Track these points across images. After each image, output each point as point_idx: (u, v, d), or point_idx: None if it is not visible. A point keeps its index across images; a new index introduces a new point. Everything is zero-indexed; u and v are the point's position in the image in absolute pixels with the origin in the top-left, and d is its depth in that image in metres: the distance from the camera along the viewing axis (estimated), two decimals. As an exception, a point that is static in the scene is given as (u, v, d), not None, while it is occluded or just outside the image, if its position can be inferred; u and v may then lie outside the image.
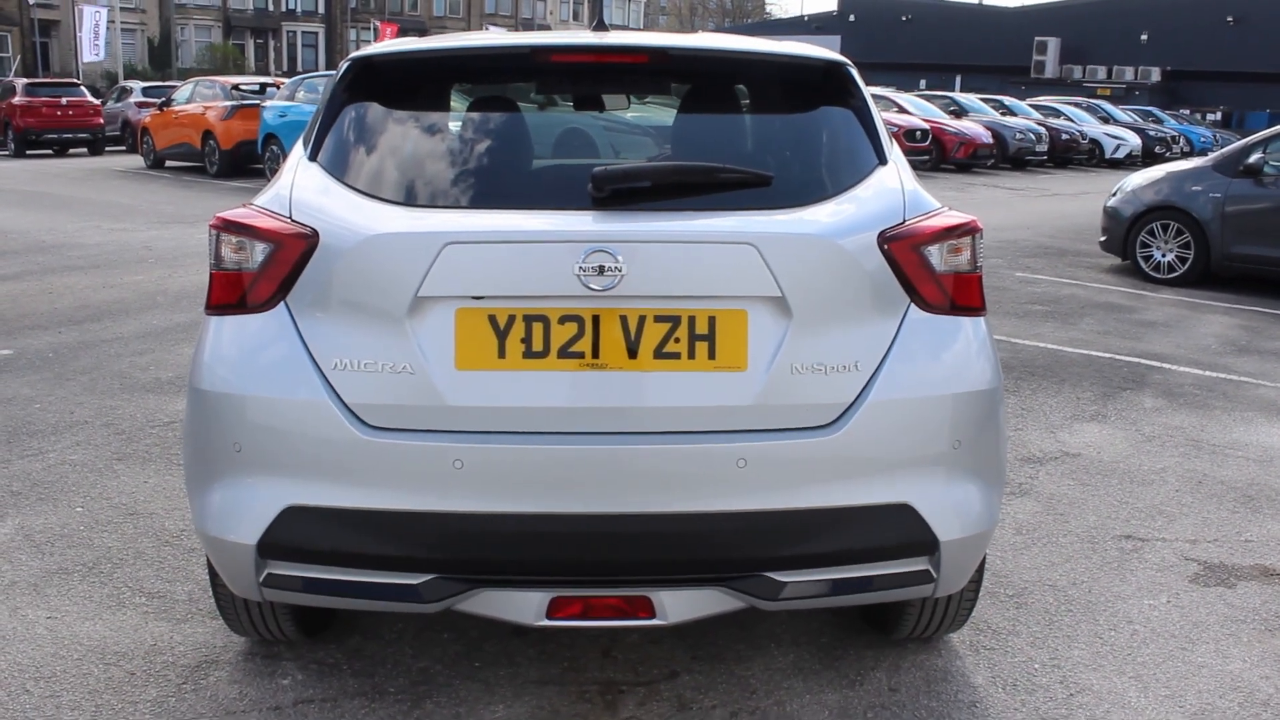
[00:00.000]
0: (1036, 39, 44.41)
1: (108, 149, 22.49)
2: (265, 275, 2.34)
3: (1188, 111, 34.22)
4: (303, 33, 51.88)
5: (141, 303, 7.35)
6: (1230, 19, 38.48)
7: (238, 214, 2.41)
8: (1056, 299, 8.56)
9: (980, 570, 2.78)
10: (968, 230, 2.47)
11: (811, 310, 2.31)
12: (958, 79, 41.77)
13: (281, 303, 2.33)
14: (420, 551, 2.28)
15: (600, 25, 2.92)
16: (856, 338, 2.36)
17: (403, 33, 49.79)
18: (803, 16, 57.59)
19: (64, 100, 21.14)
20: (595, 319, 2.25)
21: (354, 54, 2.62)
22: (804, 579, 2.37)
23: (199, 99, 17.25)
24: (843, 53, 2.74)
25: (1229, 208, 8.83)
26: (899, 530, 2.39)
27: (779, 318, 2.30)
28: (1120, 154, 25.51)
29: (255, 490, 2.32)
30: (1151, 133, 27.65)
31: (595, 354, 2.26)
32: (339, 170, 2.44)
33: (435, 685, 2.77)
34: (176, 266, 8.68)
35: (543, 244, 2.25)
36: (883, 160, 2.56)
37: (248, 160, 16.02)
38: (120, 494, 3.99)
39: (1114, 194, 9.82)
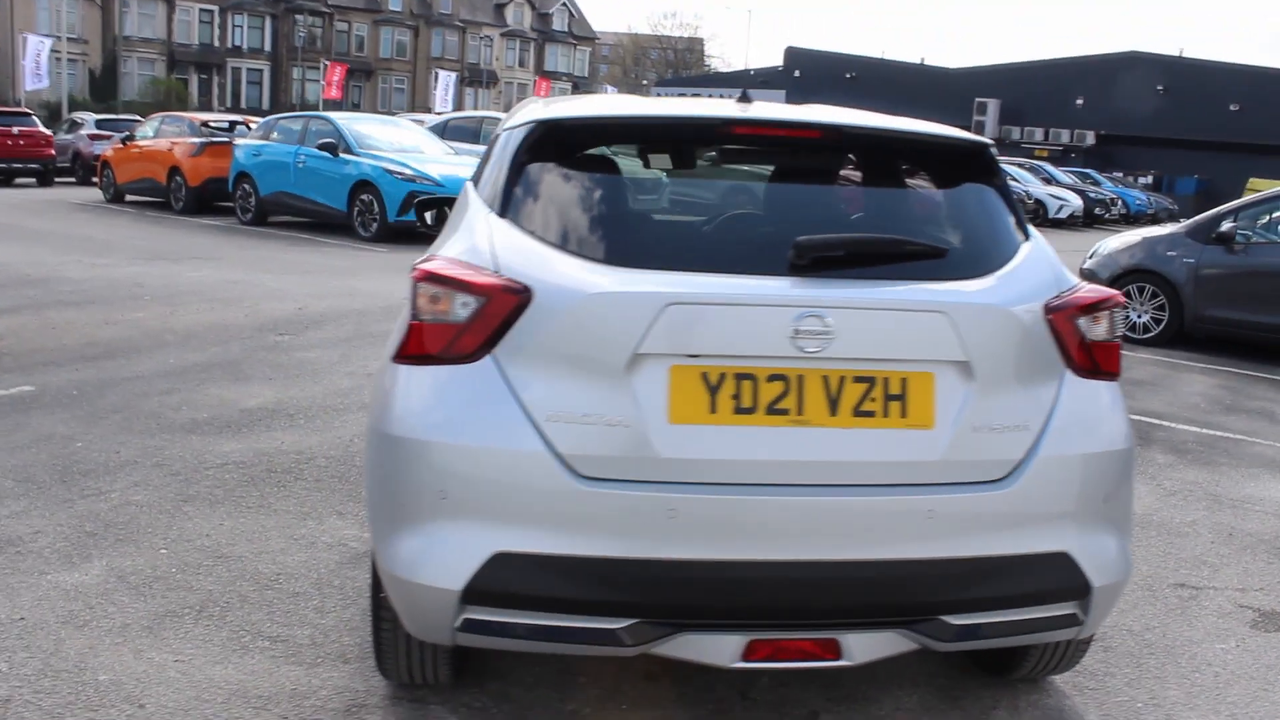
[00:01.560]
0: (977, 100, 45.90)
1: (56, 180, 22.06)
2: (473, 328, 2.41)
3: (1121, 174, 35.65)
4: (248, 69, 51.50)
5: (150, 341, 7.25)
6: (1160, 88, 40.28)
7: (440, 267, 2.48)
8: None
9: None
10: (1113, 304, 2.68)
11: (990, 373, 2.48)
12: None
13: (489, 355, 2.41)
14: (627, 596, 2.36)
15: (744, 97, 3.06)
16: (1025, 399, 2.53)
17: (350, 74, 49.82)
18: (748, 70, 58.73)
19: (15, 129, 20.73)
20: (800, 378, 2.38)
21: (537, 115, 2.71)
22: (973, 622, 2.51)
23: (165, 135, 17.05)
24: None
25: (1202, 272, 9.28)
26: (1058, 577, 2.54)
27: (963, 380, 2.46)
28: (1063, 214, 26.49)
29: (461, 536, 2.37)
30: (1091, 194, 28.79)
31: (800, 411, 2.38)
32: (538, 228, 2.53)
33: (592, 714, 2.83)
34: (175, 304, 8.58)
35: (760, 307, 2.38)
36: (1026, 235, 2.75)
37: (215, 197, 15.87)
38: (199, 536, 3.97)
39: (1090, 256, 10.24)
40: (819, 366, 2.39)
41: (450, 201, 4.81)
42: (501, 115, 18.22)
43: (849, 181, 2.85)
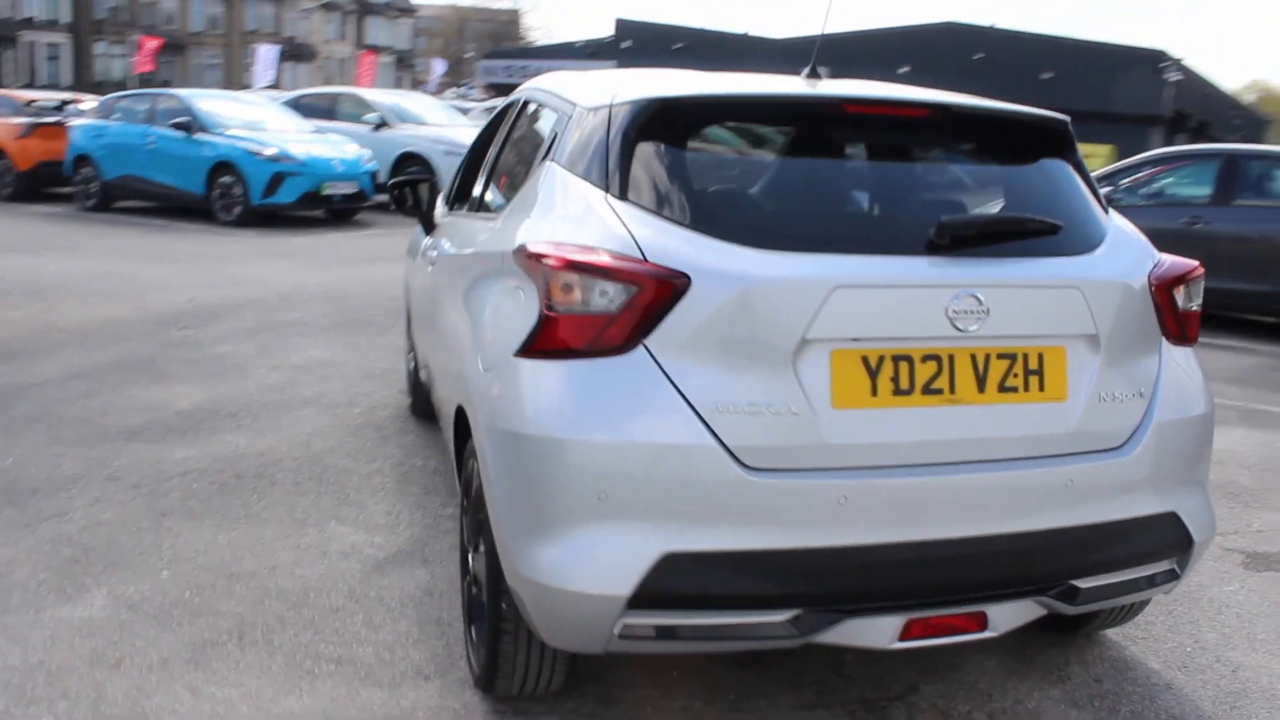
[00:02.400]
0: (805, 68, 46.99)
1: None
2: (622, 318, 2.27)
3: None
4: (46, 44, 47.70)
5: (40, 341, 6.62)
6: (978, 57, 42.14)
7: (581, 254, 2.32)
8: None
9: None
10: (1199, 274, 2.77)
11: (1113, 345, 2.53)
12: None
13: (640, 346, 2.27)
14: (795, 588, 2.29)
15: (814, 73, 3.00)
16: (1139, 369, 2.60)
17: (166, 48, 46.77)
18: (577, 42, 58.34)
19: None
20: (951, 358, 2.37)
21: (646, 93, 2.56)
22: (1097, 584, 2.56)
23: (-19, 115, 15.57)
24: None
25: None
26: (1167, 535, 2.63)
27: (1092, 352, 2.50)
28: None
29: (624, 539, 2.24)
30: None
31: (952, 390, 2.37)
32: (674, 211, 2.40)
33: (716, 716, 2.75)
34: (50, 300, 7.86)
35: (920, 288, 2.34)
36: (1106, 210, 2.80)
37: (47, 183, 14.63)
38: (195, 554, 3.65)
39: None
40: (968, 345, 2.38)
41: (414, 183, 4.55)
42: (351, 91, 17.46)
43: (954, 159, 2.82)
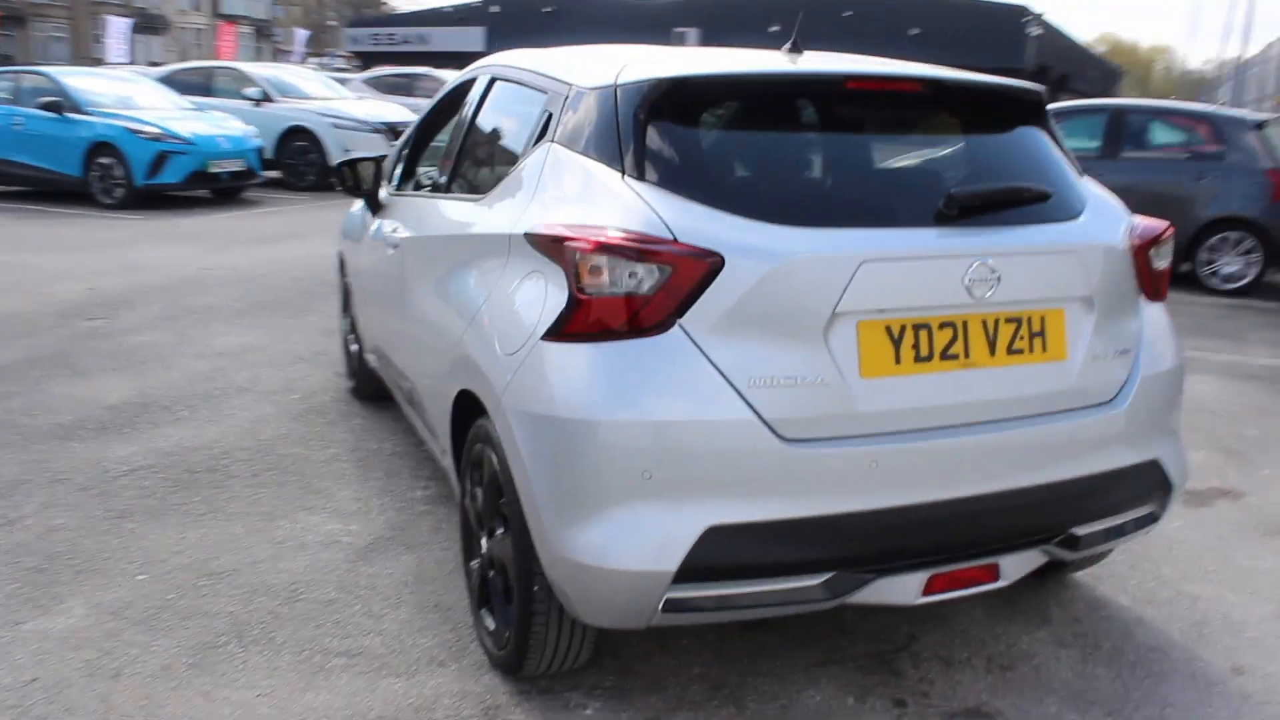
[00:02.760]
0: (675, 29, 47.03)
1: None
2: (657, 299, 2.29)
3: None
4: None
5: (-65, 341, 6.25)
6: (847, 13, 42.92)
7: (610, 236, 2.32)
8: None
9: None
10: (1170, 234, 2.93)
11: (1104, 305, 2.67)
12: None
13: (676, 325, 2.29)
14: (830, 552, 2.36)
15: (795, 47, 3.04)
16: (1124, 326, 2.75)
17: (4, 20, 43.95)
18: (446, 8, 57.10)
19: None
20: (964, 324, 2.46)
21: (653, 72, 2.55)
22: (1093, 530, 2.72)
23: None
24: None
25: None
26: (1151, 482, 2.80)
27: (1086, 313, 2.64)
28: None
29: (670, 515, 2.27)
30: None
31: (966, 354, 2.46)
32: (696, 190, 2.41)
33: (734, 685, 2.82)
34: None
35: (939, 259, 2.42)
36: (1080, 174, 2.93)
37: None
38: (168, 554, 3.53)
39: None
40: (980, 311, 2.47)
41: (357, 162, 4.46)
42: (229, 65, 16.75)
43: (947, 131, 2.89)
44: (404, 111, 15.91)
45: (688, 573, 2.28)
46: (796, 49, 3.03)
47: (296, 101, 14.94)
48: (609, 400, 2.28)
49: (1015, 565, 2.61)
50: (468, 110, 3.67)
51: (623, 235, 2.32)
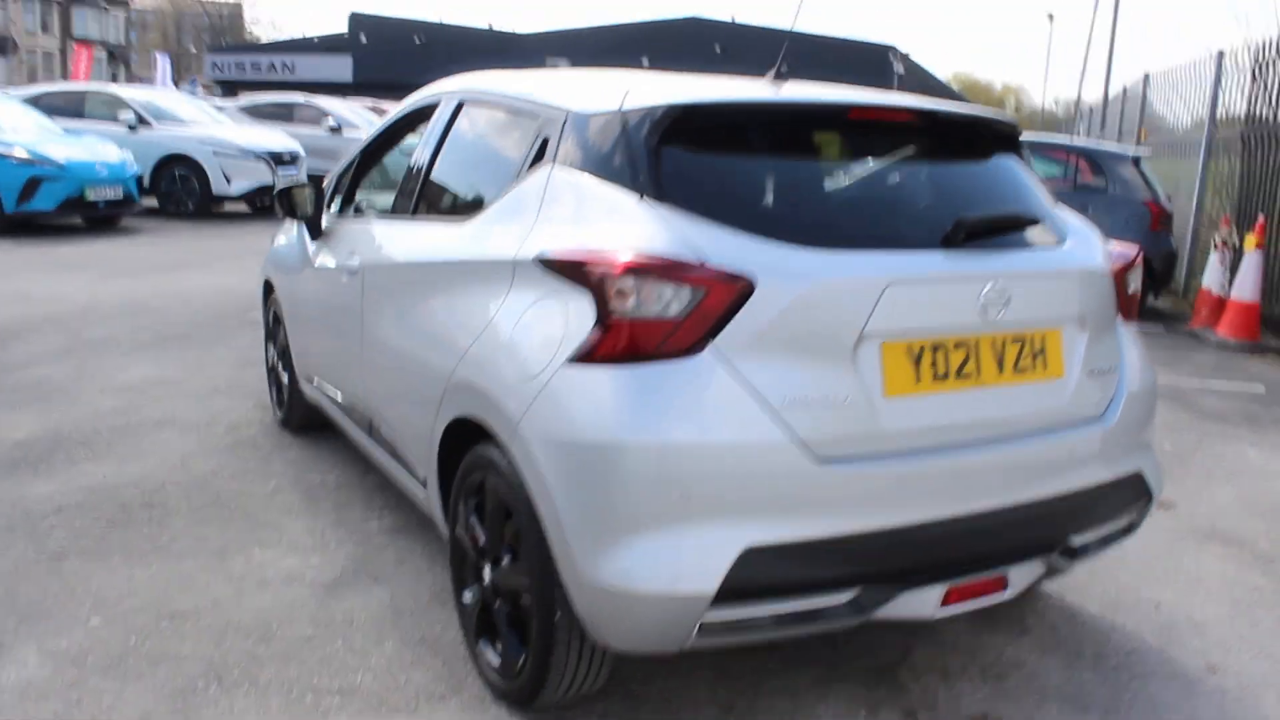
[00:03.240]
0: (548, 59, 47.23)
1: None
2: (689, 322, 2.27)
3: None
4: None
5: None
6: (718, 49, 43.93)
7: (642, 260, 2.29)
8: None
9: None
10: (1139, 260, 3.07)
11: (1094, 325, 2.79)
12: (470, 98, 43.26)
13: (708, 347, 2.28)
14: (857, 568, 2.38)
15: (780, 75, 3.08)
16: (1109, 345, 2.87)
17: None
18: (312, 38, 56.05)
19: None
20: (976, 344, 2.53)
21: (663, 99, 2.54)
22: (1087, 540, 2.81)
23: None
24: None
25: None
26: (1134, 492, 2.92)
27: (1080, 332, 2.74)
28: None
29: (707, 537, 2.24)
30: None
31: (979, 373, 2.52)
32: (718, 213, 2.39)
33: (744, 707, 2.79)
34: None
35: (958, 282, 2.49)
36: (1055, 202, 3.05)
37: None
38: (119, 597, 3.30)
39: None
40: (990, 332, 2.54)
41: (288, 189, 4.32)
42: (103, 88, 15.91)
43: (938, 159, 2.94)
44: (286, 140, 15.51)
45: (725, 594, 2.25)
46: (781, 78, 3.07)
47: (174, 127, 14.37)
48: (644, 424, 2.24)
49: (1021, 576, 2.68)
50: (432, 134, 3.59)
51: (652, 258, 2.30)
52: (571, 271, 2.42)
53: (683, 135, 2.53)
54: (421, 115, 3.92)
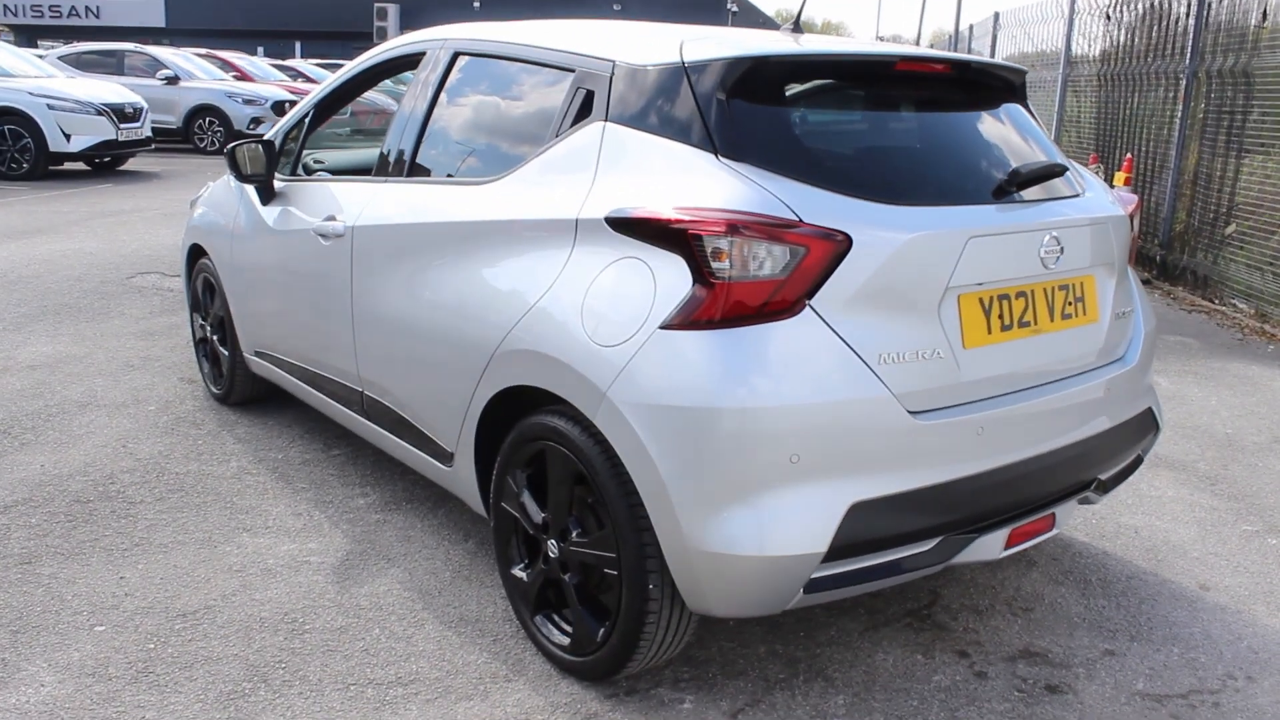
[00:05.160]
0: (377, 5, 45.39)
1: None
2: (791, 280, 2.25)
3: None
4: None
5: None
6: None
7: (741, 219, 2.24)
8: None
9: None
10: (1140, 205, 3.21)
11: (1120, 270, 2.93)
12: (298, 45, 41.38)
13: (807, 306, 2.27)
14: (943, 517, 2.44)
15: (797, 28, 3.05)
16: (1127, 289, 3.03)
17: None
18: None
19: None
20: (1031, 293, 2.61)
21: (733, 51, 2.48)
22: (1110, 475, 2.96)
23: None
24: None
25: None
26: (1146, 425, 3.09)
27: (1110, 278, 2.88)
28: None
29: (817, 496, 2.25)
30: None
31: (1035, 321, 2.62)
32: (795, 171, 2.37)
33: (807, 659, 2.83)
34: None
35: (1025, 233, 2.56)
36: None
37: None
38: (117, 599, 3.08)
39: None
40: (1042, 280, 2.63)
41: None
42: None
43: (974, 111, 2.97)
44: (126, 92, 14.47)
45: (834, 552, 2.27)
46: (798, 29, 3.05)
47: (3, 80, 13.20)
48: (752, 386, 2.22)
49: (1064, 514, 2.81)
50: (424, 89, 3.40)
51: (752, 216, 2.26)
52: (658, 232, 2.35)
53: (750, 89, 2.48)
54: (391, 68, 3.71)
